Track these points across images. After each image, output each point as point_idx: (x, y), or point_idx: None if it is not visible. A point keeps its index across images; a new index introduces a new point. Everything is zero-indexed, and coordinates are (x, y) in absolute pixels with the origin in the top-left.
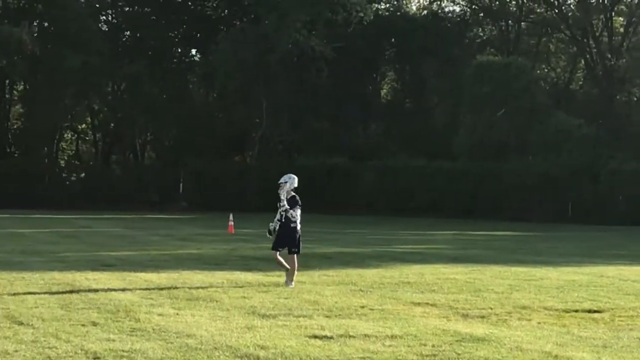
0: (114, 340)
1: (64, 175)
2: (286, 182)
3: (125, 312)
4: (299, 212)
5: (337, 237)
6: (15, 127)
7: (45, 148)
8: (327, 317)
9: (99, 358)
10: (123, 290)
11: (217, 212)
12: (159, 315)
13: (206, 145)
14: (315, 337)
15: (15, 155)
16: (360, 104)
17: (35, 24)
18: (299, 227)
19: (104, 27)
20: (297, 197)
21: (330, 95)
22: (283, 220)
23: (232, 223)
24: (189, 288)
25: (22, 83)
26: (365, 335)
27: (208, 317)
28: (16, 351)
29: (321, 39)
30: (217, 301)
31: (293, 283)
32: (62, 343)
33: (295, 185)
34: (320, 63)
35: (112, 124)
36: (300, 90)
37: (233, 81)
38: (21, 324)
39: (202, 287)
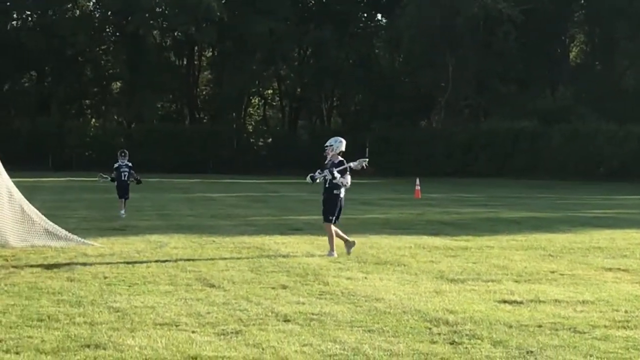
0: (303, 304)
1: (251, 140)
2: (331, 145)
3: (314, 276)
4: (348, 178)
5: (525, 201)
6: (204, 93)
7: (234, 113)
8: (516, 282)
9: (289, 320)
10: (311, 254)
11: (403, 177)
12: (348, 279)
13: (392, 109)
14: (505, 301)
15: (204, 120)
16: (548, 66)
17: None
18: (342, 194)
19: None
20: (345, 163)
21: (517, 58)
22: (327, 185)
23: (419, 188)
24: (377, 252)
25: (211, 49)
26: (556, 301)
27: (396, 281)
28: (208, 313)
29: (509, 2)
30: (405, 265)
31: (335, 252)
32: (253, 305)
33: (343, 149)
34: (508, 26)
35: (299, 89)
36: (486, 53)
37: (419, 45)
38: (213, 286)
39: (390, 252)
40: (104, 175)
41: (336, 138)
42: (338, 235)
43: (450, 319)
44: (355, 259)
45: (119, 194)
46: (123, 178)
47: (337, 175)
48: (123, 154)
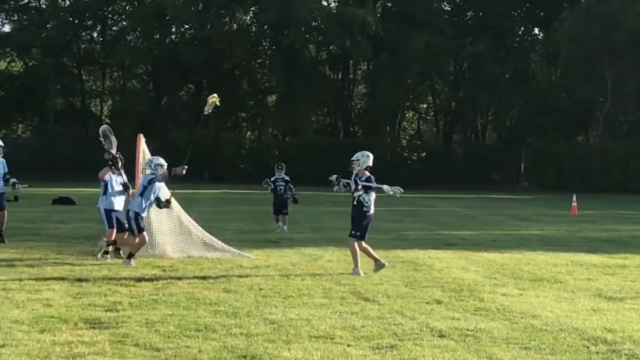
0: (458, 319)
1: (405, 154)
2: (358, 160)
3: (468, 291)
4: (372, 196)
5: None
6: (358, 106)
7: (387, 127)
8: None
9: (444, 336)
10: (466, 269)
11: (559, 193)
12: (503, 295)
13: (548, 124)
14: None
15: (358, 134)
16: None
17: (378, 4)
18: (371, 211)
19: (447, 7)
20: (373, 178)
21: None
22: (355, 202)
23: (576, 204)
24: (533, 269)
25: (366, 63)
26: None
27: (553, 299)
28: (363, 326)
29: None
30: (561, 282)
31: (359, 271)
32: (408, 320)
33: (370, 164)
34: None
35: (454, 104)
36: None
37: (576, 59)
38: (367, 300)
39: (546, 268)
40: (270, 182)
41: (363, 152)
42: (368, 254)
43: (608, 338)
44: (510, 275)
45: (274, 208)
46: (279, 192)
47: (359, 187)
48: (280, 167)
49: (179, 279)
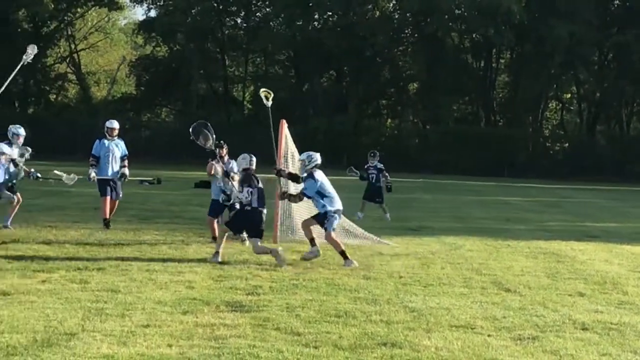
0: (601, 312)
1: (547, 144)
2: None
3: (612, 284)
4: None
5: None
6: (500, 96)
7: (530, 117)
8: None
9: (587, 329)
10: (609, 262)
11: None
12: None
13: None
14: None
15: (500, 123)
16: None
17: None
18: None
19: None
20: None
21: None
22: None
23: None
24: None
25: (509, 52)
26: None
27: None
28: (504, 317)
29: None
30: None
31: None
32: (549, 312)
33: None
34: None
35: (598, 94)
36: None
37: None
38: (508, 290)
39: None
40: (355, 170)
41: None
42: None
43: None
44: None
45: (366, 196)
46: (371, 180)
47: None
48: (372, 154)
49: (319, 264)
